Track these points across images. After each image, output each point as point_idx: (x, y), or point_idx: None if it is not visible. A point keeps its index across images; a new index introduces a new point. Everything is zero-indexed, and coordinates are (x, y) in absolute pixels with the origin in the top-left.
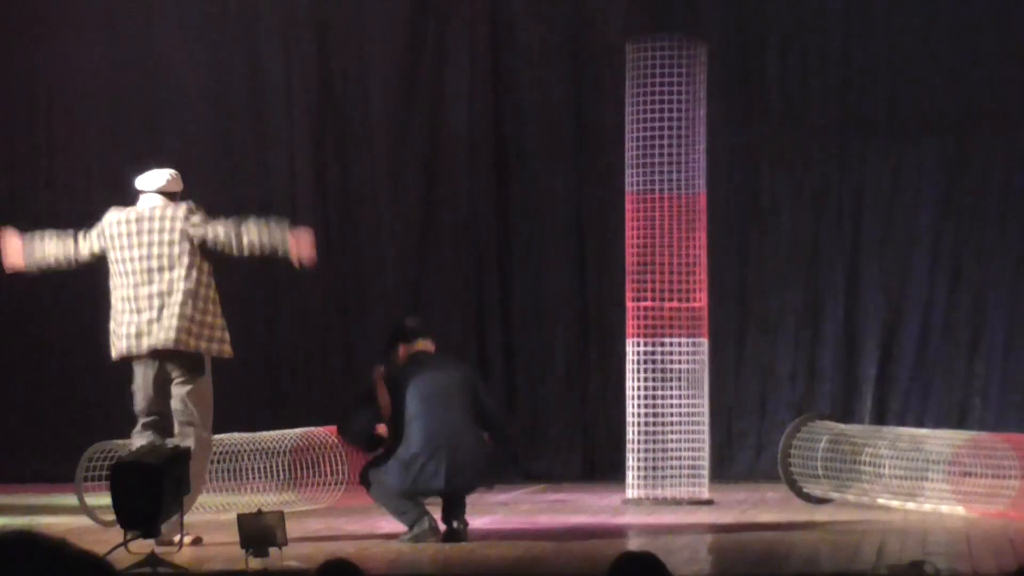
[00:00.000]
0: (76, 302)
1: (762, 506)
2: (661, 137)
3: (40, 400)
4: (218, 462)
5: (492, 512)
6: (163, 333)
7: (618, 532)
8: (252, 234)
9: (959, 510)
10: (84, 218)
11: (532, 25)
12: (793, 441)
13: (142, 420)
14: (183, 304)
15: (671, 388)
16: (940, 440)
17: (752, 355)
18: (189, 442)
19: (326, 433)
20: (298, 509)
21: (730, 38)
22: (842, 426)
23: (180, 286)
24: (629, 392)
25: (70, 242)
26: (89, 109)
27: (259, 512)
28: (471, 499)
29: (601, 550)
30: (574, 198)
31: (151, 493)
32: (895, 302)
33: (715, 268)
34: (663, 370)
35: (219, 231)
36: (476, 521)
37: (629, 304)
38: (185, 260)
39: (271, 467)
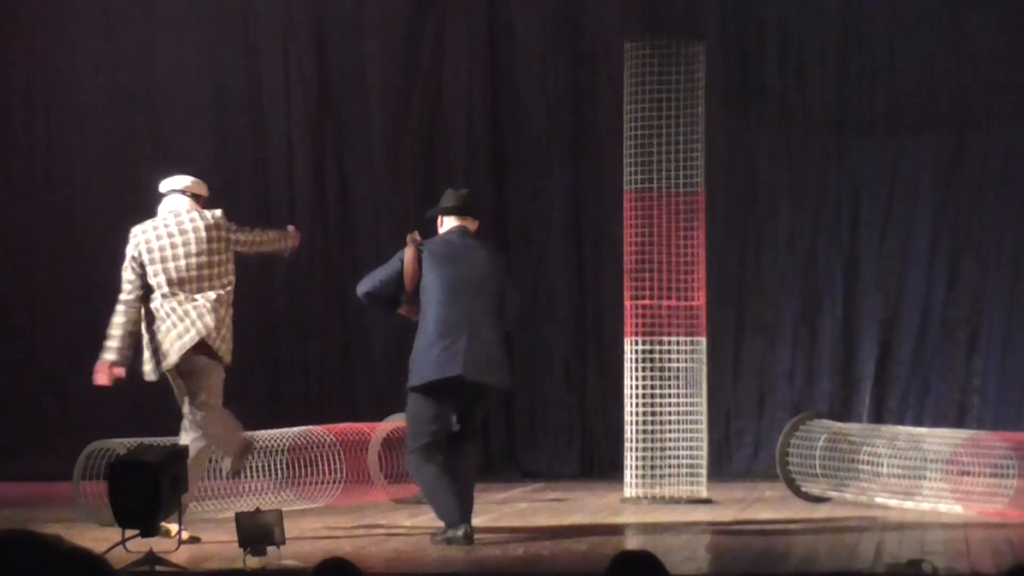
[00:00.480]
0: (74, 300)
1: (760, 505)
2: (659, 135)
3: (38, 398)
4: (217, 460)
5: (490, 511)
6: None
7: (616, 531)
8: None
9: (957, 509)
10: (82, 217)
11: (530, 24)
12: (791, 440)
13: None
14: (223, 311)
15: (669, 387)
16: (938, 439)
17: (750, 354)
18: (188, 439)
19: (324, 432)
20: (296, 508)
21: (728, 37)
22: (840, 425)
23: (223, 295)
24: (627, 391)
25: (131, 311)
26: (87, 108)
27: (257, 511)
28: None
29: (599, 549)
30: (572, 197)
31: (149, 491)
32: (893, 301)
33: (713, 267)
34: (661, 369)
35: (243, 237)
36: (474, 519)
37: (627, 303)
38: (229, 270)
39: (269, 466)
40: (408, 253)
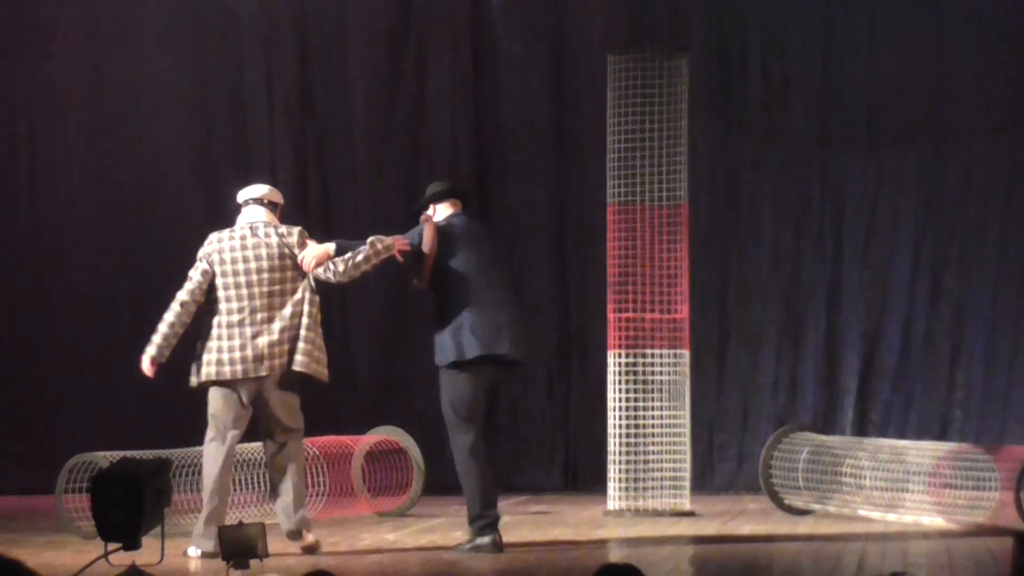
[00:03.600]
0: (57, 313)
1: (743, 517)
2: (642, 148)
3: (21, 411)
4: (199, 473)
5: None
6: (287, 357)
7: (599, 544)
8: (350, 264)
9: (939, 521)
10: (65, 229)
11: (514, 37)
12: (774, 452)
13: (231, 433)
14: (307, 329)
15: (652, 399)
16: (921, 451)
17: (733, 366)
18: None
19: (307, 444)
20: (279, 521)
21: (711, 50)
22: (823, 437)
23: (300, 310)
24: (611, 403)
25: (181, 312)
26: (70, 119)
27: (240, 524)
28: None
29: (582, 562)
30: (555, 209)
31: (132, 504)
32: (876, 314)
33: (697, 279)
34: (644, 381)
35: (327, 275)
36: (456, 531)
37: (611, 315)
38: (302, 287)
39: (252, 479)
40: (429, 229)
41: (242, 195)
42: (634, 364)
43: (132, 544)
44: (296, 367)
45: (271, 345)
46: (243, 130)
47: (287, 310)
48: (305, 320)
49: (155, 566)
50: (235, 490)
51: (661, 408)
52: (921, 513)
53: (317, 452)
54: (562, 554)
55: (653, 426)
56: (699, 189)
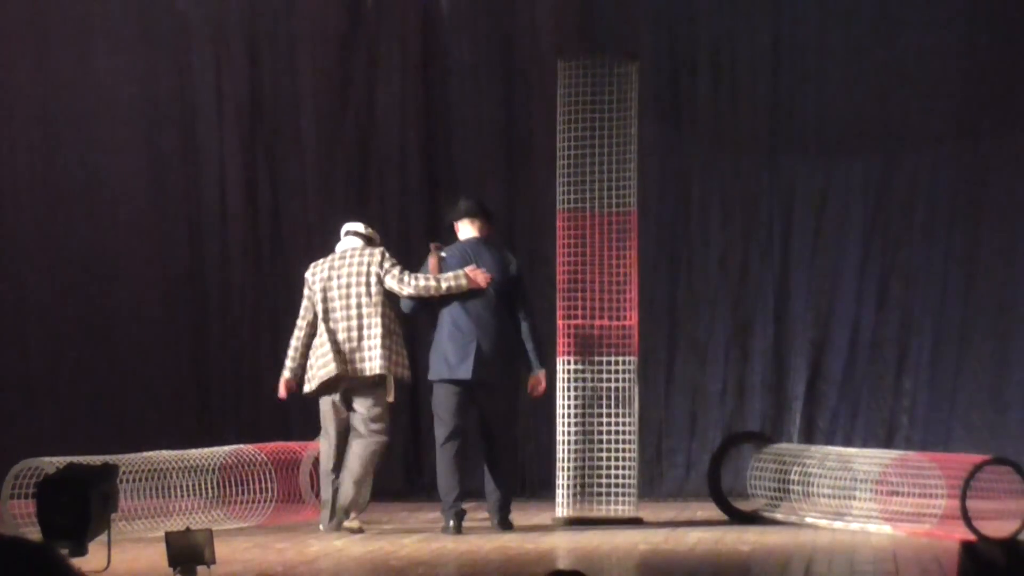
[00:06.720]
0: (3, 316)
1: (691, 524)
2: (592, 155)
3: None
4: (146, 479)
5: (421, 530)
6: (368, 363)
7: (548, 550)
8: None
9: (886, 529)
10: (11, 235)
11: (464, 42)
12: (722, 459)
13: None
14: (383, 337)
15: (601, 406)
16: (868, 459)
17: (682, 373)
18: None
19: (255, 451)
20: (227, 527)
21: (661, 57)
22: (771, 444)
23: (375, 321)
24: (559, 410)
25: (304, 337)
26: (18, 124)
27: (187, 530)
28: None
29: (531, 568)
30: (505, 215)
31: (78, 510)
32: (823, 321)
33: (645, 286)
34: (593, 388)
35: (401, 288)
36: (404, 539)
37: (560, 322)
38: (377, 300)
39: (199, 485)
40: (432, 261)
41: (344, 228)
42: (583, 371)
43: (78, 550)
44: (378, 371)
45: (352, 352)
46: (192, 133)
47: (370, 320)
48: (380, 330)
49: (101, 573)
50: (182, 496)
51: (609, 415)
52: (868, 521)
53: (266, 458)
54: (511, 560)
55: (601, 433)
56: (648, 196)
